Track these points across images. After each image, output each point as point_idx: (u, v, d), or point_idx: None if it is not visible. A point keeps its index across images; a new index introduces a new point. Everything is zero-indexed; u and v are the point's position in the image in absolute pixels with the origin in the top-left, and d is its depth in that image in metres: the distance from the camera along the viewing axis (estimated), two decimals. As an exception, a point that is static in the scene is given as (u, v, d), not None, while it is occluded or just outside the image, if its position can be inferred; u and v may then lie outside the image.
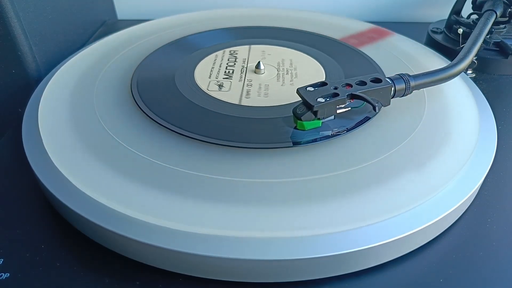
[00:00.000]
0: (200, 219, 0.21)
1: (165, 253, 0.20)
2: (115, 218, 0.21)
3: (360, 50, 0.37)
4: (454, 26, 0.43)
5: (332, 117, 0.27)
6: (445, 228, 0.24)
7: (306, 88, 0.26)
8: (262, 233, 0.20)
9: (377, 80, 0.27)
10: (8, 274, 0.21)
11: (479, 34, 0.34)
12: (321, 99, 0.25)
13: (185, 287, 0.21)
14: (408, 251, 0.22)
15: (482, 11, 0.38)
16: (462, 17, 0.43)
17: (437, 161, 0.25)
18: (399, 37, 0.41)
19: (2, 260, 0.22)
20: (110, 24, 0.52)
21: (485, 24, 0.36)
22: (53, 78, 0.33)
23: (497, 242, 0.23)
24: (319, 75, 0.34)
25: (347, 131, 0.26)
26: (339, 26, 0.43)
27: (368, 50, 0.37)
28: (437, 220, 0.22)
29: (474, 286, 0.21)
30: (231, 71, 0.34)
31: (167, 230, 0.21)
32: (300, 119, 0.26)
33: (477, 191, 0.25)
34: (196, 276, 0.21)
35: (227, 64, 0.35)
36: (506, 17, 0.40)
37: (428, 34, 0.45)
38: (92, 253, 0.22)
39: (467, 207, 0.25)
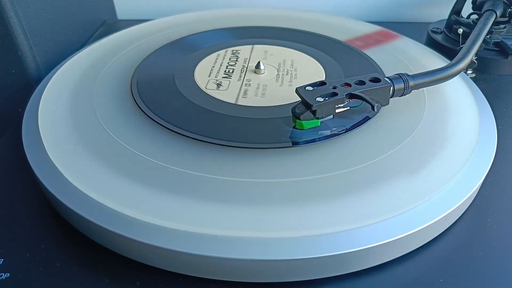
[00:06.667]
0: (200, 219, 0.21)
1: (165, 253, 0.20)
2: (115, 218, 0.21)
3: (360, 51, 0.37)
4: (454, 26, 0.43)
5: (331, 116, 0.27)
6: (445, 228, 0.24)
7: (305, 88, 0.26)
8: (262, 233, 0.20)
9: (376, 80, 0.27)
10: (8, 274, 0.21)
11: (479, 34, 0.34)
12: (320, 99, 0.25)
13: (185, 287, 0.21)
14: (408, 251, 0.22)
15: (482, 11, 0.38)
16: (462, 17, 0.43)
17: (437, 161, 0.25)
18: (405, 39, 0.40)
19: (2, 260, 0.22)
20: (110, 24, 0.52)
21: (485, 24, 0.36)
22: (53, 78, 0.33)
23: (497, 242, 0.23)
24: (319, 75, 0.34)
25: (346, 131, 0.26)
26: (340, 26, 0.43)
27: (370, 51, 0.37)
28: (437, 220, 0.22)
29: (474, 286, 0.21)
30: (231, 71, 0.34)
31: (167, 230, 0.21)
32: (299, 119, 0.26)
33: (477, 191, 0.25)
34: (196, 276, 0.21)
35: (227, 64, 0.35)
36: (506, 17, 0.40)
37: (428, 34, 0.45)
38: (92, 253, 0.22)
39: (467, 207, 0.25)
